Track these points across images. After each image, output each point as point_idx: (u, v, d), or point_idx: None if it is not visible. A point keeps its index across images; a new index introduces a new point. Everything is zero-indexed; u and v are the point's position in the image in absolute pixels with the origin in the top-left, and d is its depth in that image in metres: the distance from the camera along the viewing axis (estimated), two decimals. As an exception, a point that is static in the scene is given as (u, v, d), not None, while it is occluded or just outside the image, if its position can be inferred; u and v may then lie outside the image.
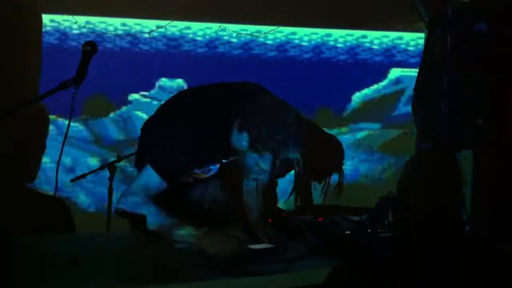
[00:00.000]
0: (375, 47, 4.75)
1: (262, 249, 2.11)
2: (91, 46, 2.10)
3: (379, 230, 2.17)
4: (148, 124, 2.38)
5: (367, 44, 4.74)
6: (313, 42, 4.67)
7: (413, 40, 4.76)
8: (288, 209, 2.86)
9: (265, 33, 4.56)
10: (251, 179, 2.37)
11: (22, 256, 1.69)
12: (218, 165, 2.27)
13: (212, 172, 2.28)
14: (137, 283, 1.75)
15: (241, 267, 1.87)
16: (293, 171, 2.22)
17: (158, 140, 2.19)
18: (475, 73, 2.72)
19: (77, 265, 1.82)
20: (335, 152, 4.52)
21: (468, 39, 2.71)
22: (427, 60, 3.19)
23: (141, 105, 4.37)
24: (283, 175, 2.50)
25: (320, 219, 2.50)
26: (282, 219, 2.45)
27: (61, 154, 2.07)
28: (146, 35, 4.36)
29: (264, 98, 2.14)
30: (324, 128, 3.31)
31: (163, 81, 4.44)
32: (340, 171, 4.48)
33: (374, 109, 4.76)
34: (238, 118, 2.09)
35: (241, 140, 2.07)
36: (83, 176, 3.81)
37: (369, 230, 2.17)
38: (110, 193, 3.81)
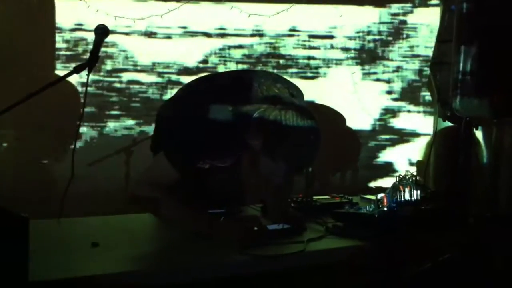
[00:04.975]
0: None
1: (279, 229, 2.11)
2: (103, 30, 2.10)
3: (396, 209, 2.15)
4: (164, 108, 2.32)
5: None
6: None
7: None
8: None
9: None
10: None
11: (40, 240, 1.69)
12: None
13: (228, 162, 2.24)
14: (157, 264, 1.75)
15: (258, 248, 1.87)
16: None
17: (173, 127, 2.14)
18: (492, 49, 2.67)
19: (96, 248, 1.83)
20: (352, 147, 4.52)
21: (485, 13, 2.66)
22: (443, 36, 3.15)
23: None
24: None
25: (337, 198, 2.50)
26: (299, 200, 2.44)
27: (76, 138, 2.08)
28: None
29: (283, 96, 2.06)
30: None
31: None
32: (355, 167, 4.51)
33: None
34: (254, 116, 2.02)
35: (255, 140, 2.02)
36: (100, 160, 3.83)
37: (386, 209, 2.14)
38: (126, 177, 3.84)
